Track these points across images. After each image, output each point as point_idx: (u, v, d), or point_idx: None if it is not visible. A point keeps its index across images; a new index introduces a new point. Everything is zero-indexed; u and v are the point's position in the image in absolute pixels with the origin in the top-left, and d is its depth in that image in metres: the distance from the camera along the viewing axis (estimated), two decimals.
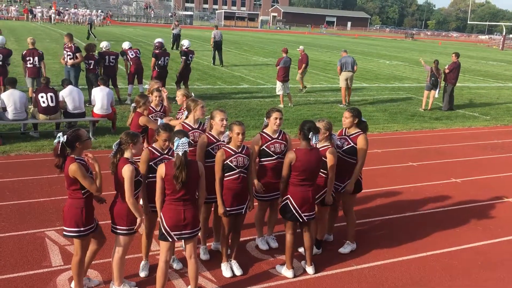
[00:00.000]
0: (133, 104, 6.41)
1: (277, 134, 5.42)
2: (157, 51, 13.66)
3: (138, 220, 4.55)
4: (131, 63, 13.72)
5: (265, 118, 5.52)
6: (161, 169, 4.45)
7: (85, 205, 4.46)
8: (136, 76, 13.88)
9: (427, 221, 6.94)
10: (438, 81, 15.08)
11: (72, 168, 4.33)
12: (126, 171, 4.40)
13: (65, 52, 12.71)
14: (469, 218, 7.16)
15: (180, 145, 4.34)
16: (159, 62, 13.63)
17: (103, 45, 13.53)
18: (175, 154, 4.40)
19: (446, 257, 5.91)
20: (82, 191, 4.44)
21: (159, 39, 14.36)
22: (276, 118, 5.32)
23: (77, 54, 12.66)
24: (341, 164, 5.54)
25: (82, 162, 4.43)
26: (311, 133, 4.96)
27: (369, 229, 6.60)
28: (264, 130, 5.49)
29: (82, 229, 4.43)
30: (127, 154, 4.55)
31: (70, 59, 12.63)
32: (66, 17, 56.32)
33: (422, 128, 12.98)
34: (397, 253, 5.93)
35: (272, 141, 5.36)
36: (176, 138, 4.39)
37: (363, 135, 5.66)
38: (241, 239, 5.62)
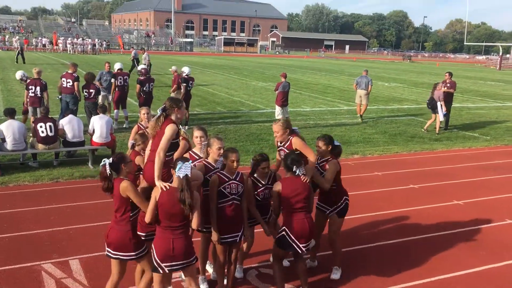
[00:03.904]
0: (132, 141, 6.47)
1: (235, 175, 5.11)
2: (142, 78, 14.08)
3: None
4: (117, 89, 14.11)
5: (222, 158, 5.18)
6: (156, 192, 4.37)
7: (132, 229, 4.49)
8: (120, 102, 14.23)
9: (430, 245, 6.84)
10: (434, 103, 15.06)
11: (124, 185, 4.36)
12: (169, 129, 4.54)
13: (63, 79, 12.82)
14: (473, 241, 7.05)
15: (183, 168, 4.28)
16: (144, 88, 13.93)
17: (117, 66, 14.41)
18: (175, 177, 4.35)
19: (451, 282, 5.80)
20: (131, 213, 4.46)
21: (143, 66, 14.92)
22: (233, 161, 5.02)
23: (75, 84, 12.80)
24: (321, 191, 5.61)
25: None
26: (294, 166, 4.97)
27: (370, 254, 6.49)
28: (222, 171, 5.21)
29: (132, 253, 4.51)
30: (173, 117, 4.71)
31: (70, 86, 12.75)
32: (68, 47, 56.96)
33: (422, 149, 12.94)
34: (399, 279, 5.82)
35: (229, 182, 5.03)
36: (179, 162, 4.34)
37: (331, 161, 5.60)
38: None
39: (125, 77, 14.34)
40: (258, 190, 5.35)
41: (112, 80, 14.11)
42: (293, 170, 4.97)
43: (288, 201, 4.97)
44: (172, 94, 15.82)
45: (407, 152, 12.58)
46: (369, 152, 12.29)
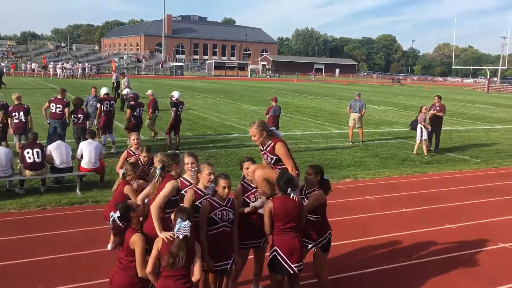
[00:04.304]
0: (122, 170, 6.41)
1: (226, 201, 5.03)
2: (132, 103, 14.05)
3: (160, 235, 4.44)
4: (103, 114, 14.02)
5: (212, 184, 5.09)
6: (158, 243, 4.33)
7: (137, 273, 4.37)
8: (106, 127, 14.14)
9: (423, 271, 6.74)
10: (415, 125, 15.44)
11: (134, 239, 4.31)
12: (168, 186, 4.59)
13: (52, 104, 12.72)
14: (466, 265, 6.98)
15: (182, 229, 4.23)
16: (135, 113, 13.89)
17: (103, 91, 14.48)
18: (175, 237, 4.28)
19: None
20: None
21: (130, 90, 14.99)
22: (224, 187, 4.94)
23: (66, 109, 12.74)
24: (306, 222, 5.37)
25: (145, 236, 4.42)
26: (289, 189, 4.87)
27: (362, 281, 6.38)
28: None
29: None
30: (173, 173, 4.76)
31: (59, 111, 12.66)
32: (58, 71, 56.96)
33: (414, 172, 12.93)
34: None
35: (220, 209, 4.94)
36: (178, 219, 4.27)
37: (315, 193, 5.38)
38: None
39: (111, 102, 14.32)
40: (249, 193, 5.32)
41: (98, 105, 14.04)
42: (287, 192, 4.89)
43: (279, 220, 4.89)
44: (148, 119, 15.80)
45: (399, 175, 12.56)
46: (361, 175, 12.25)
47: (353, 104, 17.22)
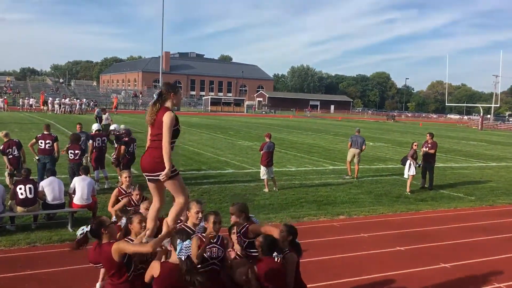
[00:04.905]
0: (114, 218, 6.38)
1: (216, 238, 4.93)
2: (126, 139, 13.99)
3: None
4: (95, 151, 13.95)
5: (203, 221, 5.01)
6: (155, 270, 4.17)
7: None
8: (98, 163, 14.06)
9: None
10: (405, 162, 15.49)
11: (115, 247, 4.15)
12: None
13: (41, 141, 12.69)
14: None
15: (184, 249, 4.12)
16: (129, 149, 13.88)
17: (94, 127, 14.58)
18: (177, 258, 4.18)
19: None
20: (128, 274, 4.25)
21: (117, 125, 15.07)
22: (214, 222, 4.84)
23: (55, 144, 12.78)
24: None
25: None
26: (275, 253, 4.76)
27: None
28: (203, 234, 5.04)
29: None
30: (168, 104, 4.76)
31: (49, 147, 12.65)
32: (55, 107, 57.24)
33: (408, 210, 12.89)
34: None
35: (210, 246, 4.83)
36: (179, 240, 4.17)
37: (289, 256, 5.07)
38: None
39: (103, 138, 14.31)
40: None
41: (90, 141, 14.01)
42: (273, 255, 4.79)
43: (262, 284, 4.75)
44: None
45: (393, 212, 12.51)
46: (355, 212, 12.20)
47: (355, 139, 17.43)
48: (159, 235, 4.46)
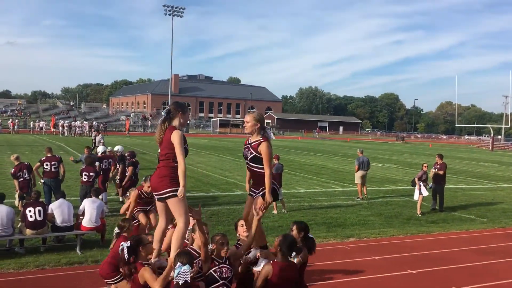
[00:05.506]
0: (116, 230, 6.37)
1: (224, 259, 4.94)
2: (134, 160, 14.17)
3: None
4: (101, 172, 13.93)
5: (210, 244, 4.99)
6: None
7: None
8: (104, 185, 14.07)
9: None
10: (414, 183, 15.45)
11: (141, 273, 4.32)
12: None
13: (46, 163, 12.72)
14: None
15: (182, 274, 4.10)
16: (136, 170, 14.00)
17: (100, 150, 14.74)
18: (174, 282, 4.18)
19: None
20: None
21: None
22: (222, 243, 4.83)
23: (61, 165, 12.87)
24: None
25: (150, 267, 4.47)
26: (294, 253, 4.77)
27: None
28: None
29: None
30: (175, 123, 4.87)
31: (54, 168, 12.69)
32: (65, 129, 57.67)
33: (419, 232, 12.73)
34: None
35: (219, 265, 4.85)
36: (178, 263, 4.15)
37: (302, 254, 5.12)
38: None
39: (109, 160, 14.34)
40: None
41: (97, 163, 14.04)
42: (292, 256, 4.77)
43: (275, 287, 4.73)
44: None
45: (404, 235, 12.36)
46: (365, 235, 12.07)
47: (362, 161, 17.49)
48: (165, 270, 4.50)
